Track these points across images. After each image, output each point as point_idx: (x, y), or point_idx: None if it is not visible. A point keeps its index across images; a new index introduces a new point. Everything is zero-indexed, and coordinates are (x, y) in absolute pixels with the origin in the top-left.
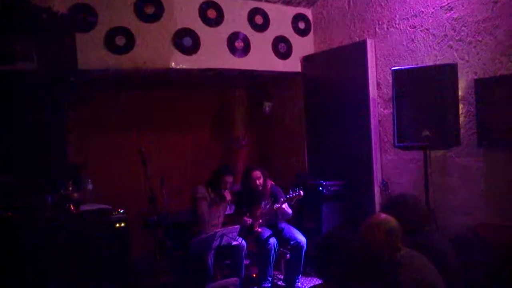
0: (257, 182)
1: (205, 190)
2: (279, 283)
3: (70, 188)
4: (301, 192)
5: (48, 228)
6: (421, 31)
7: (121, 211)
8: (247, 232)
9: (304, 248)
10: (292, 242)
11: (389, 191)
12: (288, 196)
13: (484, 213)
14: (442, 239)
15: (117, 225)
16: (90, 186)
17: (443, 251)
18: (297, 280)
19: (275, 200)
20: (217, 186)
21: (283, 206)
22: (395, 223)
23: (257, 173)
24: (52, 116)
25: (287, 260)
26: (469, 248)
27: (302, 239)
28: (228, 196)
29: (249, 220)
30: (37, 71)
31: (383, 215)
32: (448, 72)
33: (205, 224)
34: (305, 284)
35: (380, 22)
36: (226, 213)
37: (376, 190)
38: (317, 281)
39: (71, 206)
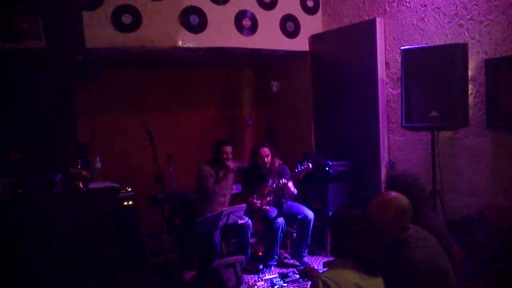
0: (265, 159)
1: (210, 167)
2: (285, 261)
3: (79, 166)
4: (310, 165)
5: (57, 205)
6: (431, 9)
7: (129, 189)
8: (254, 210)
9: (312, 222)
10: (299, 216)
11: (396, 171)
12: (296, 170)
13: (491, 194)
14: (441, 223)
15: (125, 203)
16: (98, 165)
17: (444, 235)
18: (304, 254)
19: (282, 178)
20: (219, 159)
21: (289, 184)
22: (406, 202)
23: (266, 150)
24: (60, 95)
25: (294, 238)
26: (475, 229)
27: (309, 213)
28: (231, 164)
29: (258, 203)
30: (45, 49)
31: (394, 193)
32: (458, 51)
33: (216, 197)
34: (311, 262)
35: (390, 0)
36: (233, 192)
37: (383, 170)
38: (323, 259)
39: (80, 184)
